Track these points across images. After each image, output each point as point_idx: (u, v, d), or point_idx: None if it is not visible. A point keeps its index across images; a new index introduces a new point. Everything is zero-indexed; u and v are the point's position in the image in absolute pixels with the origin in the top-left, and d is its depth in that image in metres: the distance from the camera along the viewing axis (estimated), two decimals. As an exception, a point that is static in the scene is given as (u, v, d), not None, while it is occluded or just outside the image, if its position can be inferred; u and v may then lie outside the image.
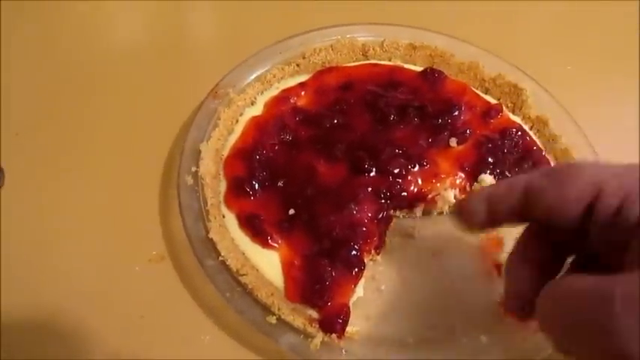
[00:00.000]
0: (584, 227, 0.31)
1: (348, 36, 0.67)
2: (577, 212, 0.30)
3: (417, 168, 0.56)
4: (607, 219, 0.29)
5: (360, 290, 0.50)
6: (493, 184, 0.36)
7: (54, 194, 0.58)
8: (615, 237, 0.29)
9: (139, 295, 0.51)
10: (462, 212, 0.37)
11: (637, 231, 0.28)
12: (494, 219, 0.35)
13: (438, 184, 0.55)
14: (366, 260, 0.50)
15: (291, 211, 0.52)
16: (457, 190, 0.56)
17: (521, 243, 0.37)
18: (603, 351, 0.26)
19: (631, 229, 0.28)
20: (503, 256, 0.55)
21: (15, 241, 0.54)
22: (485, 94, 0.65)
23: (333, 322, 0.46)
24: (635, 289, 0.25)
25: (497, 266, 0.54)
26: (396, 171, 0.55)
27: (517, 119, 0.62)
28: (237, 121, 0.60)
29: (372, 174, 0.55)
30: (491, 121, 0.60)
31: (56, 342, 0.48)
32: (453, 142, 0.58)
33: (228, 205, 0.53)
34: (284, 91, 0.62)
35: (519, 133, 0.59)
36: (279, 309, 0.46)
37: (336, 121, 0.59)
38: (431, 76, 0.64)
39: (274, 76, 0.64)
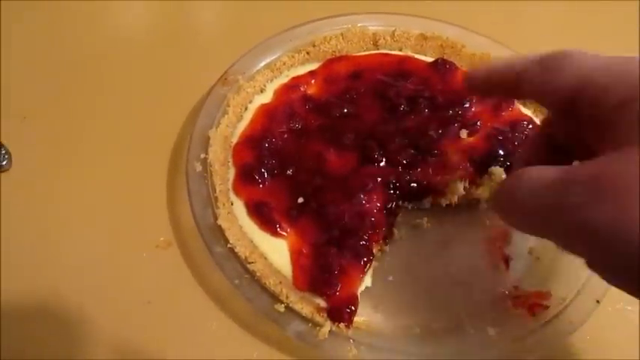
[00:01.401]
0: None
1: (358, 25, 0.66)
2: (562, 99, 0.31)
3: (427, 159, 0.55)
4: (590, 109, 0.30)
5: (368, 280, 0.49)
6: (495, 62, 0.38)
7: (61, 180, 0.57)
8: (595, 128, 0.30)
9: (146, 282, 0.51)
10: (466, 77, 0.39)
11: (613, 116, 0.28)
12: (489, 89, 0.38)
13: (448, 176, 0.55)
14: (374, 250, 0.50)
15: (300, 200, 0.52)
16: (466, 181, 0.56)
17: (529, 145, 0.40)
18: (569, 231, 0.27)
19: (607, 116, 0.28)
20: (510, 248, 0.55)
21: (21, 227, 0.53)
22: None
23: (342, 312, 0.45)
24: (602, 171, 0.26)
25: (505, 258, 0.54)
26: (406, 161, 0.55)
27: (528, 112, 0.61)
28: (246, 108, 0.59)
29: (382, 164, 0.54)
30: (502, 113, 0.60)
31: (62, 328, 0.48)
32: (464, 133, 0.58)
33: (237, 193, 0.53)
34: (294, 79, 0.62)
35: (530, 125, 0.59)
36: (287, 297, 0.46)
37: (345, 110, 0.59)
38: (442, 66, 0.63)
39: (284, 64, 0.63)
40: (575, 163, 0.35)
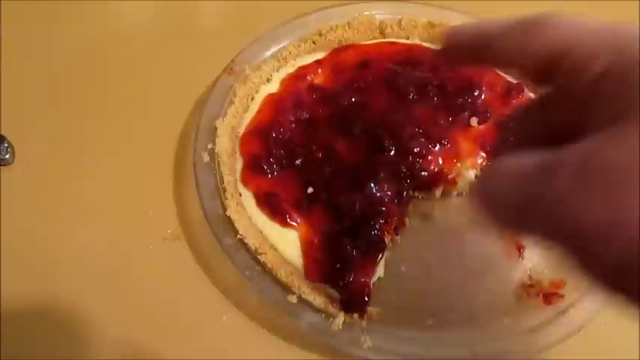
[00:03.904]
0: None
1: (365, 13, 0.65)
2: (538, 65, 0.27)
3: (437, 147, 0.55)
4: (572, 78, 0.25)
5: (380, 270, 0.49)
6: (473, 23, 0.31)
7: (66, 174, 0.56)
8: (577, 99, 0.25)
9: (154, 275, 0.50)
10: (446, 34, 0.33)
11: (599, 86, 0.24)
12: (460, 53, 0.32)
13: (459, 164, 0.54)
14: (386, 240, 0.49)
15: (310, 190, 0.51)
16: (478, 170, 0.55)
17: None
18: (551, 228, 0.22)
19: (587, 89, 0.24)
20: (524, 237, 0.54)
21: (26, 222, 0.53)
22: (506, 73, 0.63)
23: (355, 302, 0.45)
24: (591, 153, 0.21)
25: (518, 247, 0.53)
26: (417, 150, 0.54)
27: (538, 99, 0.61)
28: (252, 98, 0.59)
29: (392, 153, 0.54)
30: (513, 100, 0.59)
31: (71, 321, 0.47)
32: (474, 121, 0.57)
33: (245, 183, 0.52)
34: (300, 68, 0.61)
35: (541, 113, 0.58)
36: (299, 288, 0.45)
37: (353, 100, 0.58)
38: (450, 54, 0.62)
39: (290, 53, 0.62)
40: None
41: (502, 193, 0.25)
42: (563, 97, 0.26)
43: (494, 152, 0.32)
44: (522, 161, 0.24)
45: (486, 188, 0.26)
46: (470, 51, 0.30)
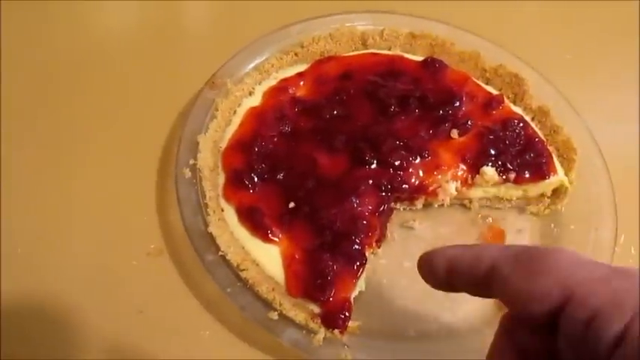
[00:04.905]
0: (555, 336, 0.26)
1: (347, 25, 0.66)
2: (541, 313, 0.25)
3: (418, 160, 0.55)
4: (575, 332, 0.24)
5: (361, 284, 0.49)
6: (459, 248, 0.30)
7: (48, 188, 0.56)
8: (585, 357, 0.24)
9: (137, 290, 0.51)
10: (421, 266, 0.32)
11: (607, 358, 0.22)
12: (453, 285, 0.30)
13: (440, 176, 0.55)
14: (367, 254, 0.50)
15: (292, 204, 0.51)
16: (459, 182, 0.55)
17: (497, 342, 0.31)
18: None
19: (601, 354, 0.23)
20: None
21: (10, 236, 0.52)
22: (487, 84, 0.64)
23: (336, 318, 0.45)
24: None
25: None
26: (397, 163, 0.54)
27: (518, 110, 0.61)
28: (235, 112, 0.59)
29: (373, 166, 0.54)
30: (493, 112, 0.60)
31: (54, 336, 0.48)
32: (455, 133, 0.57)
33: (227, 198, 0.52)
34: (282, 81, 0.61)
35: (521, 124, 0.58)
36: (280, 304, 0.45)
37: (336, 112, 0.58)
38: (432, 65, 0.63)
39: (272, 66, 0.62)
40: None
41: None
42: (571, 344, 0.24)
43: None
44: None
45: None
46: (463, 285, 0.29)
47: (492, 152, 0.56)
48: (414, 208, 0.57)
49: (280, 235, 0.50)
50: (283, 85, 0.61)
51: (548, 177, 0.56)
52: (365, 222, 0.51)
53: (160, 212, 0.55)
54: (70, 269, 0.51)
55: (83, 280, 0.51)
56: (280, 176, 0.53)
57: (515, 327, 0.28)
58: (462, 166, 0.56)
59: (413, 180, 0.54)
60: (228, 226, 0.50)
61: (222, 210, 0.51)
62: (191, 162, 0.52)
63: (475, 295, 0.29)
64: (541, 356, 0.27)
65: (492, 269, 0.27)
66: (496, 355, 0.30)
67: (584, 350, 0.23)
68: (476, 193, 0.57)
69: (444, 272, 0.30)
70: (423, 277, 0.32)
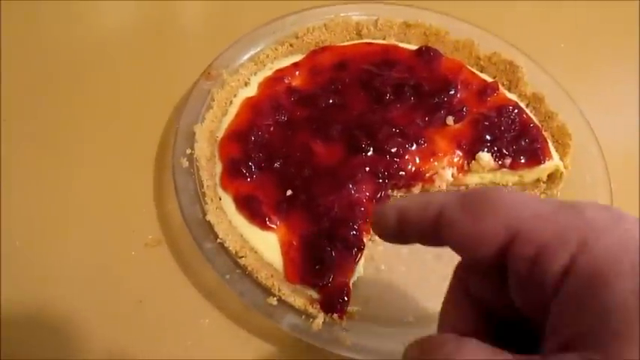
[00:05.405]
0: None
1: (341, 15, 0.66)
2: (490, 254, 0.24)
3: (414, 147, 0.55)
4: (523, 270, 0.23)
5: (360, 270, 0.49)
6: (409, 198, 0.30)
7: (45, 181, 0.56)
8: (534, 295, 0.23)
9: (136, 280, 0.50)
10: (373, 219, 0.32)
11: (555, 293, 0.22)
12: (404, 235, 0.29)
13: (436, 163, 0.55)
14: (365, 240, 0.50)
15: (289, 192, 0.52)
16: (455, 168, 0.56)
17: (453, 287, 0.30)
18: None
19: (548, 289, 0.22)
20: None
21: (6, 229, 0.52)
22: (481, 72, 0.64)
23: (334, 303, 0.45)
24: None
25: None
26: (394, 150, 0.54)
27: (513, 97, 0.62)
28: (231, 102, 0.59)
29: (370, 153, 0.54)
30: (488, 99, 0.60)
31: (53, 329, 0.48)
32: (450, 120, 0.58)
33: (225, 187, 0.52)
34: (278, 71, 0.61)
35: (516, 110, 0.59)
36: (279, 290, 0.45)
37: (331, 101, 0.59)
38: (426, 54, 0.63)
39: (267, 57, 0.62)
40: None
41: None
42: (519, 281, 0.24)
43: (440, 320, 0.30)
44: None
45: None
46: (413, 233, 0.28)
47: (488, 138, 0.57)
48: (411, 195, 0.57)
49: (278, 223, 0.50)
50: (279, 76, 0.61)
51: (544, 162, 0.56)
52: (362, 209, 0.51)
53: (158, 203, 0.55)
54: (69, 261, 0.51)
55: (82, 271, 0.50)
56: (277, 165, 0.54)
57: (468, 276, 0.28)
58: (458, 153, 0.56)
59: (409, 167, 0.55)
60: (226, 215, 0.50)
61: (220, 199, 0.51)
62: (188, 152, 0.52)
63: (426, 244, 0.29)
64: (494, 304, 0.27)
65: (440, 215, 0.26)
66: (450, 307, 0.30)
67: (533, 287, 0.23)
68: (472, 179, 0.57)
69: (394, 222, 0.29)
70: (375, 230, 0.31)
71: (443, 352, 0.24)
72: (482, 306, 0.28)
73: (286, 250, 0.48)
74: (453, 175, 0.55)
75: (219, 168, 0.54)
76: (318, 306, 0.45)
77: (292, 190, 0.52)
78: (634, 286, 0.20)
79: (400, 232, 0.29)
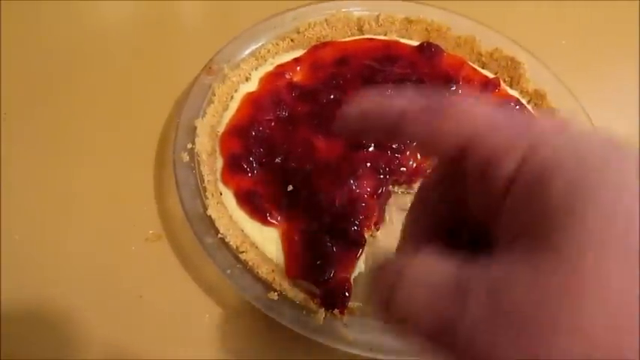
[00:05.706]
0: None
1: (343, 10, 0.66)
2: (448, 155, 0.25)
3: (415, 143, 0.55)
4: (476, 174, 0.23)
5: (361, 265, 0.49)
6: (371, 98, 0.29)
7: (45, 176, 0.56)
8: (488, 200, 0.23)
9: (136, 275, 0.50)
10: (337, 120, 0.31)
11: (504, 197, 0.22)
12: (365, 131, 0.30)
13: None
14: (366, 235, 0.50)
15: (290, 188, 0.51)
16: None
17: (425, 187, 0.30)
18: (462, 353, 0.20)
19: (498, 193, 0.22)
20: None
21: (6, 224, 0.52)
22: (483, 68, 0.64)
23: (335, 298, 0.45)
24: (498, 285, 0.20)
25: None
26: (395, 146, 0.54)
27: (515, 93, 0.62)
28: (232, 97, 0.59)
29: (371, 149, 0.54)
30: (489, 94, 0.60)
31: (53, 324, 0.47)
32: (452, 116, 0.57)
33: (226, 182, 0.52)
34: (279, 66, 0.61)
35: (517, 107, 0.59)
36: (280, 285, 0.45)
37: (332, 97, 0.59)
38: (428, 50, 0.63)
39: (268, 52, 0.62)
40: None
41: (415, 310, 0.22)
42: (476, 188, 0.24)
43: (403, 233, 0.30)
44: (435, 271, 0.22)
45: (390, 300, 0.23)
46: (375, 128, 0.28)
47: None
48: (412, 191, 0.57)
49: (279, 218, 0.50)
50: (280, 71, 0.61)
51: (545, 157, 0.56)
52: (363, 204, 0.51)
53: (158, 198, 0.55)
54: (68, 256, 0.51)
55: (82, 266, 0.50)
56: (278, 160, 0.53)
57: (429, 193, 0.29)
58: (460, 149, 0.56)
59: (410, 163, 0.54)
60: (227, 210, 0.50)
61: (221, 194, 0.51)
62: (189, 146, 0.52)
63: (386, 140, 0.29)
64: (453, 219, 0.27)
65: (403, 112, 0.26)
66: (409, 225, 0.30)
67: (485, 193, 0.23)
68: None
69: (358, 119, 0.29)
70: (338, 129, 0.31)
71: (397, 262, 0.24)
72: (443, 224, 0.28)
73: (287, 245, 0.48)
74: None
75: (220, 163, 0.54)
76: (319, 301, 0.45)
77: (293, 186, 0.51)
78: (575, 179, 0.20)
79: (362, 130, 0.30)
